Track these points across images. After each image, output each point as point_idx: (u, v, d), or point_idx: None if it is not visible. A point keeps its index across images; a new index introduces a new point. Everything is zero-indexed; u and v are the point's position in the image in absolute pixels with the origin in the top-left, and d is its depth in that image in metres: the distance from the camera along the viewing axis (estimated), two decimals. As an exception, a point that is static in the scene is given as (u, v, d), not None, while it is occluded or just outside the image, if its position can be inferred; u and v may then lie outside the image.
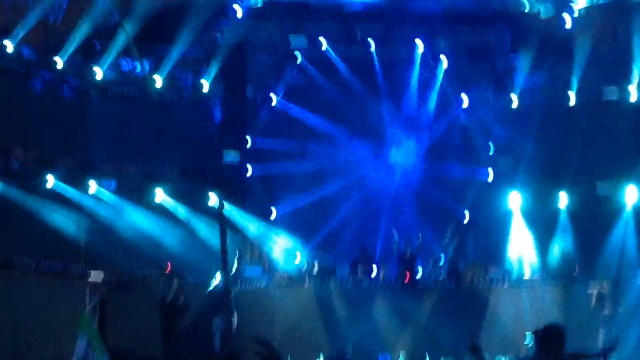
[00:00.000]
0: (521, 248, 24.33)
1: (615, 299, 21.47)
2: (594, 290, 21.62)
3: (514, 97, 25.44)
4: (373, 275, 23.47)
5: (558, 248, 24.35)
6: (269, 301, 22.18)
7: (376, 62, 25.98)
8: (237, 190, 25.44)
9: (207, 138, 25.39)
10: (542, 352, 9.25)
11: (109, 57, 23.97)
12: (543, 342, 9.26)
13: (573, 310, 22.36)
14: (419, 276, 23.33)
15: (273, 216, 25.58)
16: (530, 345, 18.91)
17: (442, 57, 25.82)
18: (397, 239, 23.95)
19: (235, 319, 20.52)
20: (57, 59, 22.75)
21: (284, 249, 24.74)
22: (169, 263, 23.09)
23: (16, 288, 20.85)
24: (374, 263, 23.85)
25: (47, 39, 23.03)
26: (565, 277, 23.36)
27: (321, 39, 25.68)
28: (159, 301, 20.57)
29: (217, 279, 20.91)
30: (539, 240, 24.53)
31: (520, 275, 23.47)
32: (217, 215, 20.64)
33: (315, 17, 25.72)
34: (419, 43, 25.64)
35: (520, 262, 23.95)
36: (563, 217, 24.65)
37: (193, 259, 23.80)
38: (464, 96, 25.91)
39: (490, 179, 25.69)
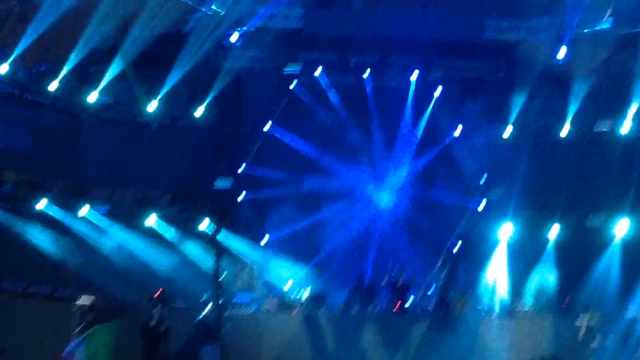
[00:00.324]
0: (501, 279, 24.38)
1: (604, 331, 21.36)
2: (582, 322, 21.53)
3: (508, 128, 25.51)
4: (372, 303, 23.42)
5: (548, 279, 24.36)
6: (258, 327, 22.09)
7: (369, 90, 26.09)
8: (229, 216, 25.42)
9: (200, 163, 25.43)
10: None
11: (103, 82, 24.08)
12: None
13: (562, 341, 22.32)
14: (408, 305, 23.27)
15: (264, 241, 25.58)
16: None
17: (439, 87, 25.93)
18: (390, 268, 23.91)
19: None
20: (52, 83, 22.79)
21: (275, 275, 24.76)
22: (160, 289, 23.04)
23: (3, 311, 20.80)
24: (374, 291, 23.76)
25: (42, 62, 23.07)
26: (555, 309, 23.27)
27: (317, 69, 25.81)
28: (142, 326, 20.48)
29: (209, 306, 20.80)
30: (529, 271, 24.53)
31: (504, 306, 23.41)
32: (211, 241, 20.60)
33: (310, 45, 25.81)
34: (414, 72, 25.73)
35: (495, 294, 24.00)
36: (553, 249, 24.68)
37: (184, 284, 23.82)
38: (456, 125, 26.00)
39: (481, 208, 25.72)
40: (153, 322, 20.26)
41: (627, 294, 22.70)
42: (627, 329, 21.69)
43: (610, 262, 23.78)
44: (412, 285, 23.64)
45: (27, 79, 22.69)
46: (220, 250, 18.50)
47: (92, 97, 23.63)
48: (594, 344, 21.06)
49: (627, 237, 23.95)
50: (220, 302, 21.64)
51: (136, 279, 23.30)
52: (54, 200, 22.83)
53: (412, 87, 26.06)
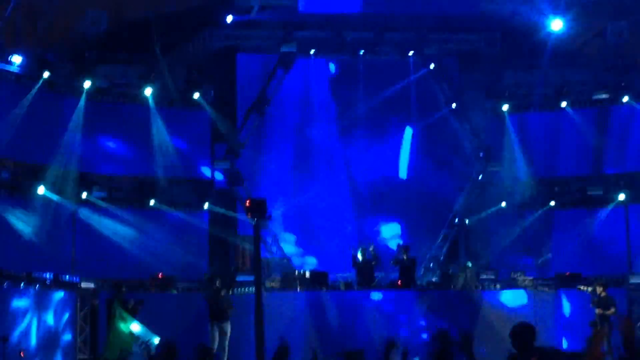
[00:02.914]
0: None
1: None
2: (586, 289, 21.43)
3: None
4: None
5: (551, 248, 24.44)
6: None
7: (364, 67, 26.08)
8: (228, 197, 25.41)
9: (198, 145, 25.36)
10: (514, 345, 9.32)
11: (100, 66, 24.00)
12: (515, 337, 9.30)
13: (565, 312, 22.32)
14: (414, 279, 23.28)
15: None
16: None
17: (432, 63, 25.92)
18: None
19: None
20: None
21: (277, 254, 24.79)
22: (160, 274, 23.02)
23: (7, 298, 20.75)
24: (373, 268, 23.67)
25: (37, 48, 22.97)
26: (559, 279, 23.25)
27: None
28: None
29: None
30: (532, 241, 24.59)
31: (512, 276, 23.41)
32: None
33: (305, 25, 25.71)
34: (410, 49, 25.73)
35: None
36: (555, 218, 24.72)
37: (183, 266, 23.85)
38: (454, 99, 25.98)
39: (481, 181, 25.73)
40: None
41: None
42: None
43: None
44: (416, 261, 23.53)
45: (23, 65, 22.51)
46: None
47: (88, 82, 23.47)
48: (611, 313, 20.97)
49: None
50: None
51: (137, 261, 23.32)
52: (51, 186, 22.70)
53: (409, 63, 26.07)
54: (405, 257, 22.97)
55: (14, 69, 22.31)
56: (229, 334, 20.26)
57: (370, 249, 23.32)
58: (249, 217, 13.95)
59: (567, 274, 23.21)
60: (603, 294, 20.91)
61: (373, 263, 23.17)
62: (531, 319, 20.61)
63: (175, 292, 22.73)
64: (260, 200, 14.03)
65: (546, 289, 22.83)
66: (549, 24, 24.29)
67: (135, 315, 19.64)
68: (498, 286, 22.92)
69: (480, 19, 25.36)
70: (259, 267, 14.66)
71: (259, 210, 13.91)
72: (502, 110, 25.60)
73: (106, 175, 24.26)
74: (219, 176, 25.44)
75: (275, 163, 26.34)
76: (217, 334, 20.19)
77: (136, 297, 20.29)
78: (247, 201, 14.00)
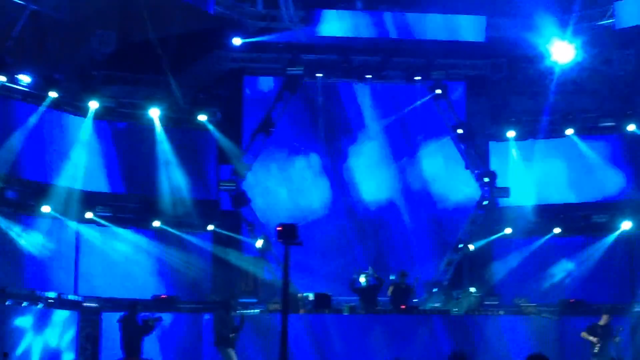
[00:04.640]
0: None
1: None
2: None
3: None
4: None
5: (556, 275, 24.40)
6: (263, 327, 21.97)
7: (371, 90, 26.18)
8: (233, 219, 25.43)
9: (203, 166, 25.40)
10: None
11: (107, 86, 24.09)
12: None
13: (569, 340, 22.24)
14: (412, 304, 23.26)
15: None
16: None
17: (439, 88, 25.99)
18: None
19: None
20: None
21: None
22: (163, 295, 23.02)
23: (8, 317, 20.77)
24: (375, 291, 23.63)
25: (45, 67, 23.07)
26: (562, 306, 23.21)
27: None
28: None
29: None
30: (536, 267, 24.55)
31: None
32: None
33: (312, 48, 25.81)
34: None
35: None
36: (559, 245, 24.68)
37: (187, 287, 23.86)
38: (460, 124, 26.01)
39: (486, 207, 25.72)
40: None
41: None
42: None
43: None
44: (414, 288, 23.47)
45: (29, 84, 22.58)
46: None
47: (95, 102, 23.53)
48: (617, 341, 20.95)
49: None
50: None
51: (141, 282, 23.32)
52: (56, 206, 22.72)
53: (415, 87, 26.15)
54: (401, 282, 23.06)
55: (21, 87, 22.36)
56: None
57: (370, 271, 23.36)
58: (280, 242, 13.90)
59: (571, 300, 23.19)
60: (603, 323, 21.03)
61: (378, 285, 23.23)
62: (534, 346, 20.69)
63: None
64: (291, 225, 14.00)
65: (549, 315, 22.76)
66: (557, 53, 24.33)
67: (152, 331, 19.74)
68: (501, 312, 22.84)
69: (486, 46, 25.40)
70: (286, 295, 14.57)
71: (291, 235, 13.89)
72: (507, 136, 25.58)
73: (111, 195, 24.24)
74: (224, 197, 25.45)
75: (280, 185, 26.34)
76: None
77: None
78: (279, 226, 13.95)
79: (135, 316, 19.82)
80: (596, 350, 21.04)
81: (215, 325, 20.18)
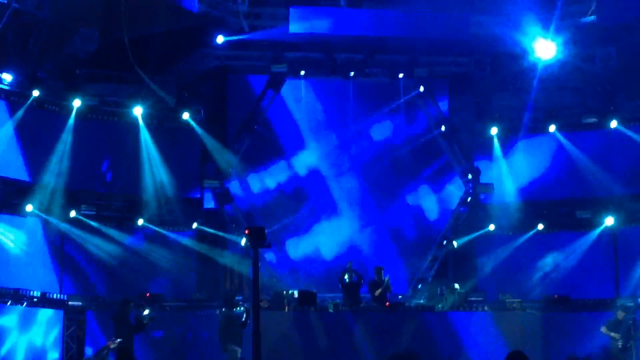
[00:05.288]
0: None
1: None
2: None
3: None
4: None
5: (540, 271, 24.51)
6: (248, 325, 21.92)
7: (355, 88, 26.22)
8: (217, 217, 25.42)
9: (187, 165, 25.36)
10: None
11: (90, 84, 24.02)
12: None
13: (553, 335, 22.32)
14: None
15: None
16: None
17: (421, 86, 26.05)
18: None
19: None
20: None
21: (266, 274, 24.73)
22: (147, 294, 22.96)
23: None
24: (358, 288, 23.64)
25: (28, 65, 22.99)
26: (547, 302, 23.31)
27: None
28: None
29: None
30: (521, 263, 24.65)
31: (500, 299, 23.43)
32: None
33: (296, 46, 25.81)
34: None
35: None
36: (543, 241, 24.80)
37: (172, 285, 23.82)
38: (443, 121, 26.09)
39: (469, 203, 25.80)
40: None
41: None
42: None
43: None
44: (389, 283, 23.43)
45: (12, 83, 22.49)
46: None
47: (78, 100, 23.47)
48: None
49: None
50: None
51: (126, 280, 23.27)
52: (40, 205, 22.64)
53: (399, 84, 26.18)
54: (378, 279, 23.09)
55: (3, 86, 22.28)
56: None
57: (348, 266, 23.36)
58: (248, 244, 13.90)
59: (555, 296, 23.31)
60: (622, 318, 21.17)
61: (360, 282, 23.25)
62: (518, 341, 20.76)
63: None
64: (259, 228, 14.02)
65: (534, 311, 22.84)
66: (539, 50, 24.43)
67: (145, 329, 19.68)
68: (486, 308, 22.92)
69: (470, 43, 25.46)
70: (257, 294, 14.57)
71: (259, 238, 13.90)
72: (491, 133, 25.68)
73: (95, 193, 24.16)
74: (208, 196, 25.43)
75: (263, 183, 26.34)
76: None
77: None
78: (246, 229, 13.97)
79: (128, 314, 19.75)
80: (620, 346, 21.14)
81: (221, 322, 20.01)
